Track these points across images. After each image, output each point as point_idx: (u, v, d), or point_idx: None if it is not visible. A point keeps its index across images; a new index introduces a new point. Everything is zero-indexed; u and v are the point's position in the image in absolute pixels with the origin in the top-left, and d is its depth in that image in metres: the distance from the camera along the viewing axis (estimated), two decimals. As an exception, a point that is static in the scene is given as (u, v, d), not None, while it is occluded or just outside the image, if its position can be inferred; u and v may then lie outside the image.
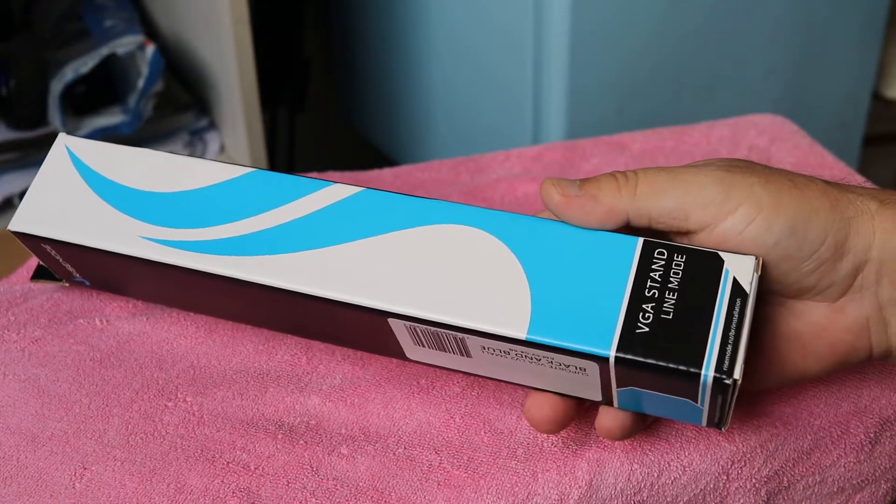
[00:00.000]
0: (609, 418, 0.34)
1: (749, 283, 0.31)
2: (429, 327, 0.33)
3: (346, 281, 0.34)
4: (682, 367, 0.30)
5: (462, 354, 0.34)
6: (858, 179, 0.51)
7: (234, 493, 0.35)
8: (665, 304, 0.31)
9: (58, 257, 0.39)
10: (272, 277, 0.34)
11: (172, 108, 1.00)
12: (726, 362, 0.30)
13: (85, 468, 0.36)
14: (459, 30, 0.97)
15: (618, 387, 0.32)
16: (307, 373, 0.40)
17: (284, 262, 0.34)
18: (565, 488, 0.36)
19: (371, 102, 1.21)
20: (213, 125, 1.02)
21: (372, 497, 0.35)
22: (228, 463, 0.36)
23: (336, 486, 0.36)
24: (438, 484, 0.36)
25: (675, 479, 0.37)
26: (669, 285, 0.32)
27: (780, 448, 0.38)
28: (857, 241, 0.32)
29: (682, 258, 0.32)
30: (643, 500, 0.37)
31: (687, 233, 0.33)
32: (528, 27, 0.86)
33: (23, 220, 0.37)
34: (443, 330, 0.33)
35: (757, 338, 0.34)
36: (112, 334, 0.42)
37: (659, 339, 0.31)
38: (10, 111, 0.95)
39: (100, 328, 0.42)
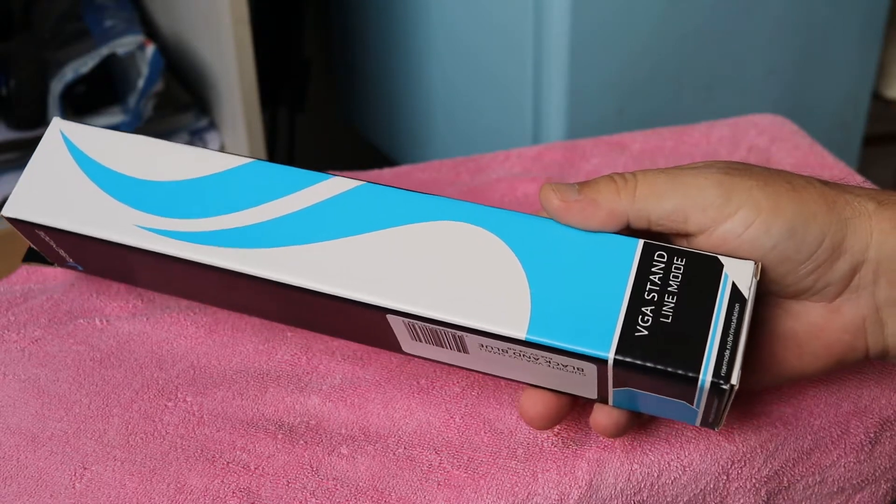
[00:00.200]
0: (603, 416, 0.34)
1: (748, 289, 0.31)
2: (427, 324, 0.33)
3: (344, 276, 0.33)
4: (680, 372, 0.30)
5: (459, 351, 0.34)
6: (858, 179, 0.51)
7: (234, 493, 0.35)
8: (664, 308, 0.31)
9: (51, 243, 0.38)
10: (269, 270, 0.34)
11: (172, 108, 1.00)
12: (724, 367, 0.30)
13: (85, 468, 0.36)
14: (459, 30, 0.97)
15: (614, 387, 0.33)
16: (307, 373, 0.40)
17: (282, 255, 0.34)
18: (565, 488, 0.36)
19: (371, 102, 1.21)
20: (213, 125, 1.02)
21: (372, 497, 0.35)
22: (228, 463, 0.36)
23: (336, 486, 0.36)
24: (438, 484, 0.36)
25: (675, 479, 0.37)
26: (669, 288, 0.32)
27: (780, 448, 0.38)
28: (854, 242, 0.32)
29: (681, 262, 0.32)
30: (643, 500, 0.37)
31: (686, 235, 0.33)
32: (528, 27, 0.86)
33: (16, 206, 0.37)
34: (441, 327, 0.33)
35: (753, 338, 0.34)
36: (112, 334, 0.42)
37: (658, 342, 0.31)
38: (10, 111, 0.95)
39: (100, 328, 0.42)
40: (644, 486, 0.37)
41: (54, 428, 0.38)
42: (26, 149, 0.94)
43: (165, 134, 1.01)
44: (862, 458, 0.39)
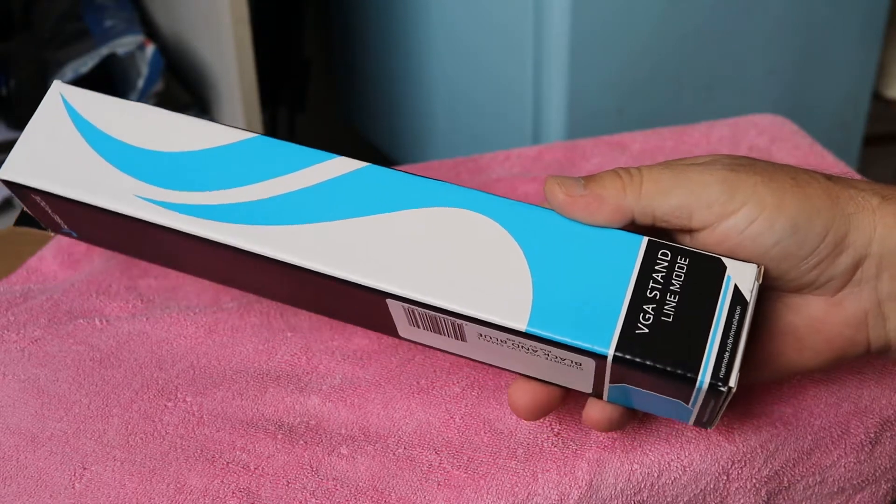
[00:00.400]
0: (597, 410, 0.34)
1: (750, 291, 0.31)
2: (426, 311, 0.33)
3: (345, 258, 0.33)
4: (679, 371, 0.30)
5: (457, 339, 0.34)
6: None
7: (234, 493, 0.35)
8: (666, 307, 0.31)
9: (46, 208, 0.38)
10: (268, 247, 0.34)
11: (172, 108, 1.00)
12: (723, 369, 0.30)
13: (85, 468, 0.36)
14: (459, 30, 0.97)
15: (611, 382, 0.33)
16: (307, 373, 0.40)
17: (282, 233, 0.34)
18: (565, 488, 0.36)
19: (371, 102, 1.21)
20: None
21: (372, 497, 0.35)
22: (228, 463, 0.36)
23: (336, 486, 0.36)
24: (438, 484, 0.36)
25: (675, 479, 0.37)
26: (671, 287, 0.32)
27: (780, 448, 0.38)
28: (856, 237, 0.32)
29: (685, 261, 0.32)
30: (643, 500, 0.37)
31: (689, 230, 0.33)
32: (528, 27, 0.86)
33: (12, 169, 0.36)
34: (440, 314, 0.33)
35: (753, 332, 0.34)
36: (112, 334, 0.42)
37: (658, 341, 0.31)
38: (10, 111, 0.95)
39: (99, 328, 0.42)
40: (644, 486, 0.37)
41: (54, 428, 0.38)
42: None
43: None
44: (862, 458, 0.39)
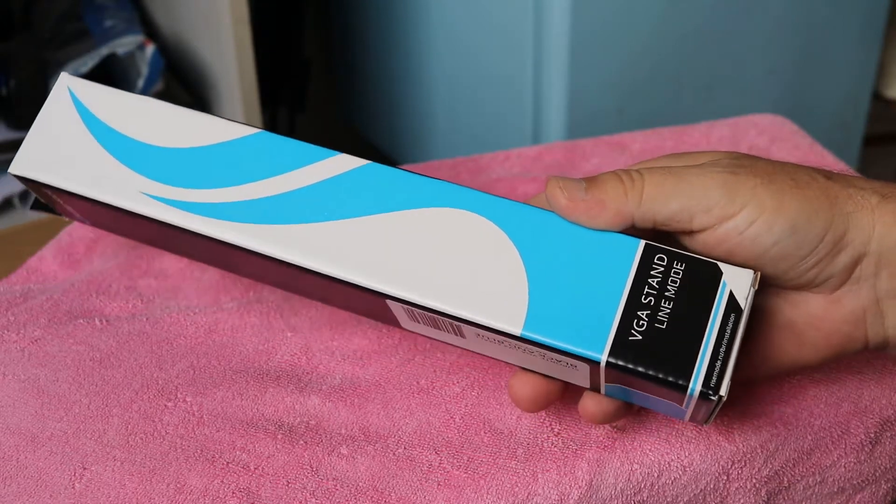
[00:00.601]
0: (593, 403, 0.35)
1: (745, 299, 0.31)
2: (425, 311, 0.33)
3: (345, 258, 0.33)
4: (670, 379, 0.31)
5: (456, 335, 0.35)
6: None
7: (234, 493, 0.35)
8: (660, 313, 0.31)
9: (58, 199, 0.39)
10: (269, 246, 0.34)
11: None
12: (714, 378, 0.30)
13: (85, 468, 0.36)
14: (459, 30, 0.97)
15: (606, 382, 0.33)
16: (307, 373, 0.40)
17: (283, 232, 0.34)
18: (565, 488, 0.36)
19: (371, 102, 1.21)
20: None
21: (372, 497, 0.35)
22: (228, 463, 0.36)
23: (336, 486, 0.36)
24: (438, 484, 0.36)
25: (675, 479, 0.37)
26: (666, 293, 0.32)
27: (780, 448, 0.38)
28: (855, 235, 0.32)
29: (681, 266, 0.32)
30: (643, 500, 0.37)
31: (690, 232, 0.33)
32: (528, 27, 0.86)
33: (23, 164, 0.37)
34: (438, 315, 0.33)
35: (752, 328, 0.34)
36: (112, 334, 0.42)
37: (651, 347, 0.31)
38: (10, 111, 0.95)
39: (99, 328, 0.42)
40: (644, 486, 0.37)
41: (54, 428, 0.38)
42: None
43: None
44: (862, 458, 0.39)
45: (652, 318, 0.31)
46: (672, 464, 0.37)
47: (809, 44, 0.98)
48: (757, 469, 0.38)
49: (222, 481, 0.36)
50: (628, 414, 0.36)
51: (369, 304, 0.35)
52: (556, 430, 0.38)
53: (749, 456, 0.38)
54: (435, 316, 0.33)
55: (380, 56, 1.14)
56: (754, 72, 0.97)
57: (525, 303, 0.32)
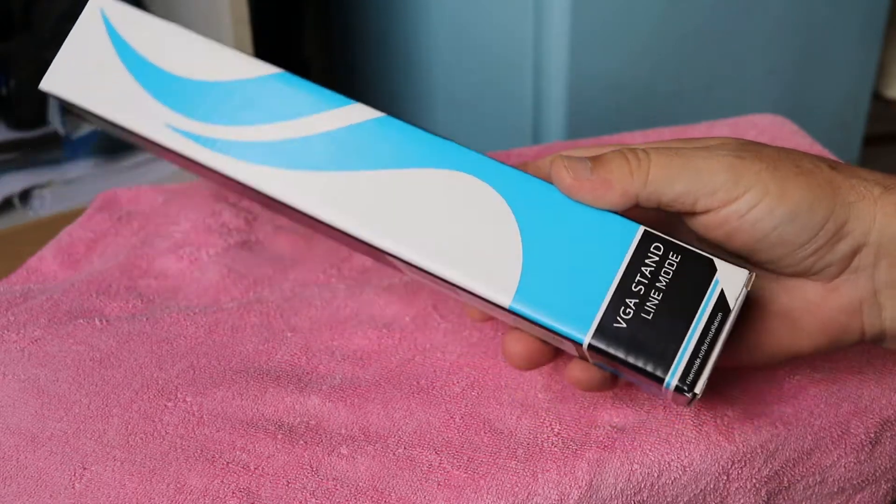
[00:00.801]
0: (580, 370, 0.35)
1: (735, 300, 0.32)
2: (422, 270, 0.34)
3: (348, 209, 0.34)
4: (648, 369, 0.31)
5: (454, 293, 0.35)
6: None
7: (234, 493, 0.35)
8: (647, 304, 0.32)
9: (84, 115, 0.40)
10: (280, 191, 0.35)
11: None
12: (691, 375, 0.31)
13: (85, 468, 0.36)
14: (459, 31, 0.97)
15: (591, 360, 0.34)
16: (307, 373, 0.40)
17: (294, 178, 0.35)
18: (565, 488, 0.36)
19: (371, 103, 1.21)
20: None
21: (372, 497, 0.35)
22: (228, 463, 0.36)
23: (336, 486, 0.36)
24: (438, 484, 0.36)
25: (675, 479, 0.37)
26: (657, 284, 0.32)
27: (780, 448, 0.38)
28: (856, 225, 0.32)
29: (676, 258, 0.32)
30: (643, 500, 0.37)
31: (692, 213, 0.33)
32: (528, 27, 0.86)
33: (52, 80, 0.38)
34: (433, 276, 0.34)
35: (747, 313, 0.34)
36: (112, 334, 0.42)
37: (634, 336, 0.31)
38: (10, 111, 0.94)
39: (99, 328, 0.42)
40: (644, 486, 0.37)
41: (54, 428, 0.38)
42: (26, 149, 0.94)
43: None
44: (862, 458, 0.39)
45: (639, 307, 0.32)
46: (672, 464, 0.37)
47: (809, 44, 0.98)
48: (757, 469, 0.38)
49: (222, 481, 0.36)
50: (614, 385, 0.36)
51: (373, 252, 0.36)
52: (556, 430, 0.38)
53: (749, 456, 0.38)
54: (430, 275, 0.34)
55: (380, 56, 1.14)
56: (754, 72, 0.97)
57: (517, 275, 0.33)
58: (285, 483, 0.36)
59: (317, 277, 0.47)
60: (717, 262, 0.32)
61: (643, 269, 0.32)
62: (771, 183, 0.32)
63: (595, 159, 0.33)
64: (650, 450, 0.37)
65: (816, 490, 0.40)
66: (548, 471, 0.36)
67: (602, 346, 0.31)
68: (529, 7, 0.85)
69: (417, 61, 1.06)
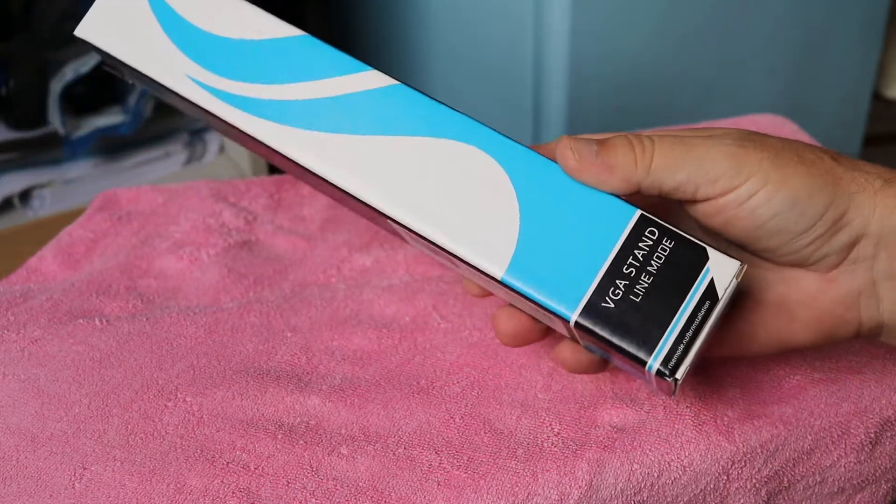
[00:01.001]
0: (568, 351, 0.35)
1: (724, 289, 0.32)
2: (420, 237, 0.34)
3: (355, 171, 0.35)
4: (631, 351, 0.31)
5: (451, 263, 0.36)
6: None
7: (234, 493, 0.35)
8: (637, 286, 0.32)
9: (116, 64, 0.41)
10: (290, 149, 0.36)
11: (172, 108, 1.00)
12: (673, 360, 0.31)
13: (85, 468, 0.36)
14: (459, 32, 0.97)
15: (580, 340, 0.34)
16: (307, 373, 0.40)
17: (301, 136, 0.36)
18: (565, 488, 0.36)
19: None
20: (213, 125, 1.02)
21: (372, 497, 0.35)
22: (228, 463, 0.36)
23: (336, 486, 0.36)
24: (438, 484, 0.36)
25: (675, 479, 0.37)
26: (648, 268, 0.32)
27: (780, 448, 0.38)
28: (855, 216, 0.32)
29: (669, 244, 0.32)
30: (643, 500, 0.37)
31: (693, 201, 0.33)
32: (528, 27, 0.87)
33: (86, 28, 0.39)
34: (430, 243, 0.34)
35: (743, 303, 0.35)
36: (112, 334, 0.42)
37: (621, 318, 0.32)
38: (10, 111, 0.94)
39: (99, 328, 0.42)
40: (644, 486, 0.37)
41: (54, 428, 0.38)
42: (26, 149, 0.94)
43: (165, 134, 1.01)
44: (862, 458, 0.39)
45: (629, 289, 0.32)
46: (672, 464, 0.37)
47: (809, 44, 0.98)
48: (757, 469, 0.38)
49: (222, 481, 0.36)
50: (603, 369, 0.37)
51: (372, 215, 0.36)
52: (556, 430, 0.38)
53: (749, 456, 0.38)
54: (429, 243, 0.34)
55: (380, 57, 1.14)
56: (754, 72, 0.97)
57: (512, 248, 0.33)
58: (285, 483, 0.36)
59: (317, 277, 0.47)
60: (709, 250, 0.32)
61: (636, 252, 0.32)
62: (772, 171, 0.32)
63: (601, 143, 0.34)
64: (650, 450, 0.37)
65: (816, 490, 0.40)
66: (548, 471, 0.36)
67: (588, 324, 0.32)
68: (529, 7, 0.85)
69: (417, 62, 1.06)
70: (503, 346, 0.41)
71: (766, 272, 0.35)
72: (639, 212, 0.33)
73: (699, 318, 0.31)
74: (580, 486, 0.36)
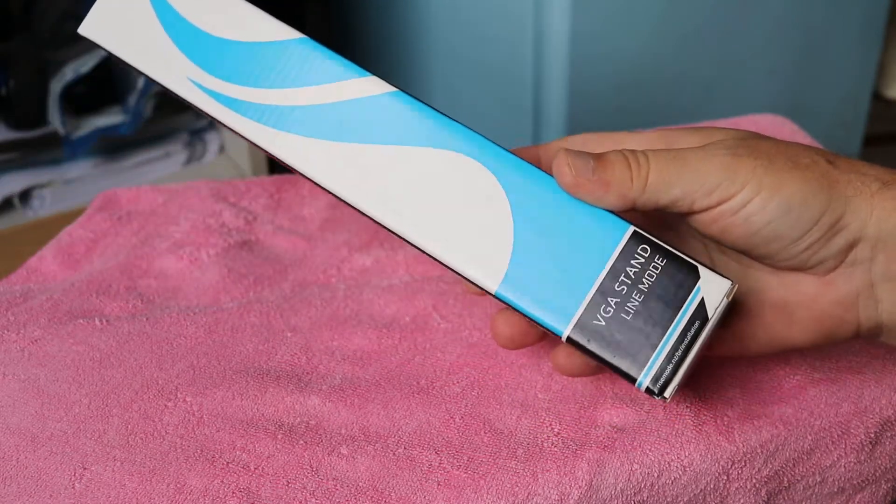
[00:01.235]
0: (563, 356, 0.35)
1: (714, 309, 0.32)
2: (413, 246, 0.34)
3: (350, 180, 0.35)
4: (622, 368, 0.32)
5: (448, 270, 0.36)
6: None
7: (234, 493, 0.35)
8: (628, 304, 0.32)
9: (123, 63, 0.41)
10: (286, 154, 0.36)
11: (172, 108, 1.00)
12: (662, 379, 0.31)
13: (85, 468, 0.36)
14: (459, 32, 0.97)
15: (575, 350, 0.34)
16: (307, 373, 0.40)
17: (297, 142, 0.36)
18: (565, 488, 0.36)
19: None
20: (212, 125, 1.02)
21: (372, 497, 0.35)
22: (228, 463, 0.36)
23: (336, 486, 0.36)
24: (438, 484, 0.36)
25: (675, 479, 0.37)
26: (640, 285, 0.32)
27: (780, 448, 0.38)
28: (852, 219, 0.32)
29: (661, 262, 0.32)
30: (643, 500, 0.37)
31: (690, 213, 0.33)
32: (528, 27, 0.87)
33: (89, 26, 0.39)
34: (424, 253, 0.34)
35: (743, 304, 0.35)
36: (112, 334, 0.42)
37: (612, 335, 0.32)
38: (10, 111, 0.95)
39: (99, 328, 0.42)
40: (644, 486, 0.37)
41: (54, 428, 0.38)
42: (26, 149, 0.94)
43: (165, 134, 1.01)
44: (862, 458, 0.39)
45: (620, 306, 0.32)
46: (672, 464, 0.37)
47: (809, 44, 0.98)
48: (757, 469, 0.38)
49: (222, 481, 0.36)
50: (598, 372, 0.37)
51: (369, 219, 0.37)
52: (556, 430, 0.38)
53: (749, 456, 0.38)
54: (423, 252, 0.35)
55: (380, 57, 1.14)
56: (754, 72, 0.97)
57: (506, 262, 0.33)
58: (285, 483, 0.36)
59: (317, 277, 0.47)
60: (701, 269, 0.32)
61: (628, 269, 0.33)
62: (766, 178, 0.32)
63: (597, 158, 0.33)
64: (650, 450, 0.37)
65: (816, 490, 0.40)
66: (548, 471, 0.36)
67: (580, 341, 0.32)
68: (529, 8, 0.85)
69: (417, 62, 1.06)
70: (503, 346, 0.42)
71: (766, 275, 0.35)
72: (632, 228, 0.33)
73: (689, 337, 0.32)
74: (580, 486, 0.36)
